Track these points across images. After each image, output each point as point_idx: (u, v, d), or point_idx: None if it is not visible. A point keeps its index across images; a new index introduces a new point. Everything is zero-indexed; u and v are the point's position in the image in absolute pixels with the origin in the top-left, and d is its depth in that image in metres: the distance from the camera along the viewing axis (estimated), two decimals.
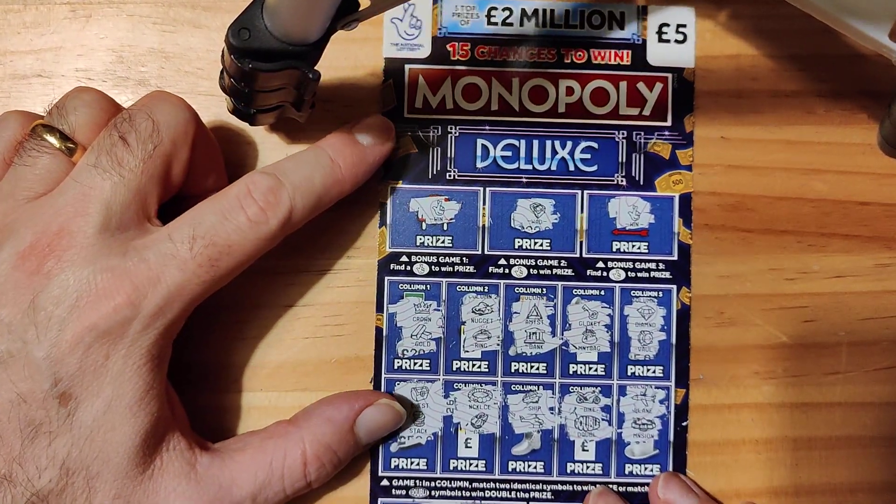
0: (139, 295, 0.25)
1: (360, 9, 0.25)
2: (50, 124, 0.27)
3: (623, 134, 0.32)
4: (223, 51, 0.26)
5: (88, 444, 0.25)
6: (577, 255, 0.32)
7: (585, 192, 0.32)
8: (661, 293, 0.32)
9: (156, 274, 0.26)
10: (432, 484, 0.31)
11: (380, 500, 0.31)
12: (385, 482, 0.31)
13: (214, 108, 0.32)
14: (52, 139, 0.27)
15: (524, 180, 0.32)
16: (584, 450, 0.32)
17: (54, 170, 0.27)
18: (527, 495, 0.31)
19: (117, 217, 0.26)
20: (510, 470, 0.31)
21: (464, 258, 0.32)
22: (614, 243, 0.32)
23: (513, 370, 0.32)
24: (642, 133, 0.32)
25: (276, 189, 0.27)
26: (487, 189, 0.32)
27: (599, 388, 0.32)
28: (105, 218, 0.26)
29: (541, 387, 0.32)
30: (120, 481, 0.26)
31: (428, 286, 0.32)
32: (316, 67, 0.26)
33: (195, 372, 0.28)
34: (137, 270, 0.26)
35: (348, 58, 0.32)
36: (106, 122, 0.27)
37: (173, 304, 0.26)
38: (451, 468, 0.31)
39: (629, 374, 0.32)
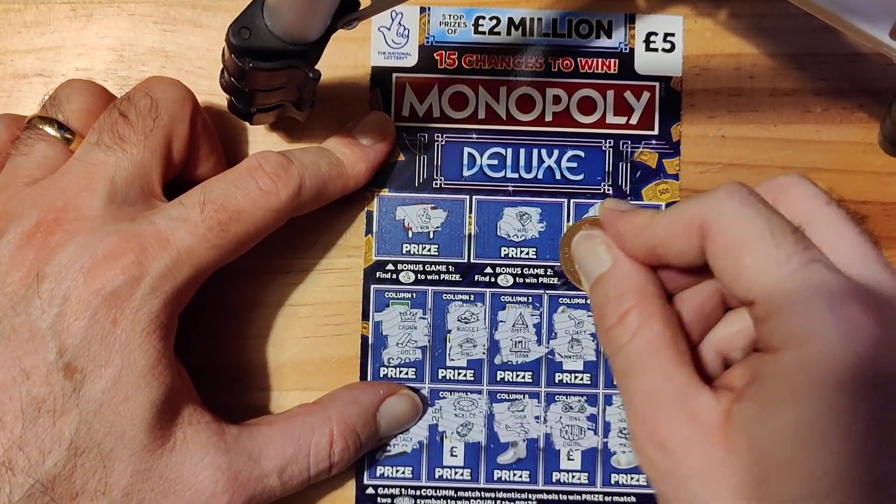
0: (148, 256, 0.25)
1: (361, 8, 0.25)
2: (45, 115, 0.28)
3: (610, 143, 0.32)
4: (224, 50, 0.26)
5: (98, 419, 0.24)
6: None
7: (572, 200, 0.32)
8: None
9: (165, 236, 0.25)
10: (417, 492, 0.31)
11: None
12: (370, 490, 0.31)
13: (215, 108, 0.32)
14: (48, 128, 0.27)
15: (510, 189, 0.32)
16: (569, 459, 0.31)
17: (51, 156, 0.27)
18: None
19: (122, 191, 0.26)
20: (495, 479, 0.31)
21: (450, 266, 0.32)
22: None
23: (498, 379, 0.31)
24: (629, 142, 0.32)
25: (287, 164, 0.28)
26: (474, 197, 0.32)
27: (585, 398, 0.31)
28: (111, 192, 0.26)
29: (526, 395, 0.31)
30: (138, 455, 0.25)
31: (414, 294, 0.32)
32: (316, 67, 0.26)
33: (197, 372, 0.28)
34: (146, 232, 0.25)
35: (348, 57, 0.32)
36: (100, 110, 0.28)
37: (182, 267, 0.26)
38: (437, 477, 0.31)
39: (615, 383, 0.31)
